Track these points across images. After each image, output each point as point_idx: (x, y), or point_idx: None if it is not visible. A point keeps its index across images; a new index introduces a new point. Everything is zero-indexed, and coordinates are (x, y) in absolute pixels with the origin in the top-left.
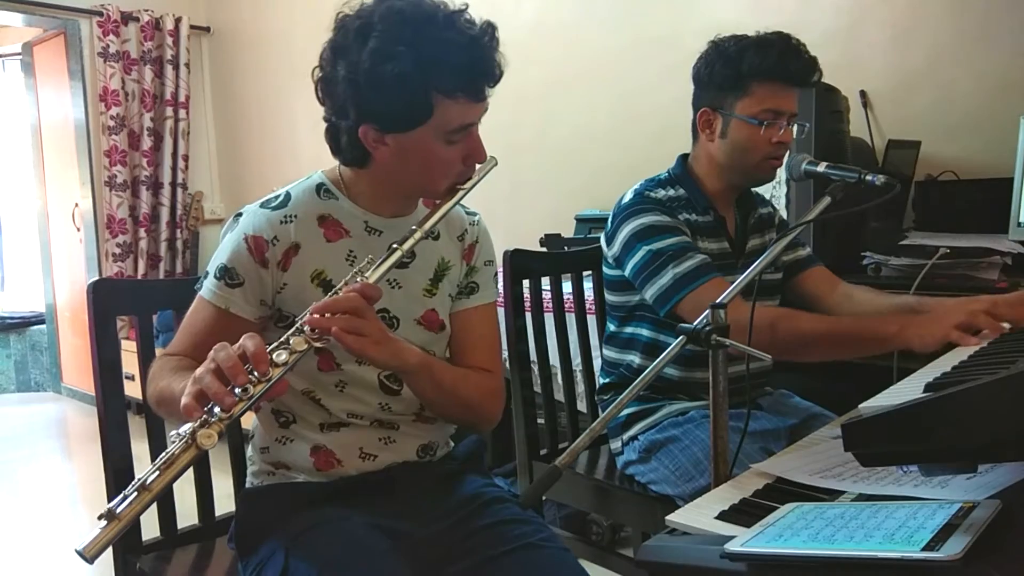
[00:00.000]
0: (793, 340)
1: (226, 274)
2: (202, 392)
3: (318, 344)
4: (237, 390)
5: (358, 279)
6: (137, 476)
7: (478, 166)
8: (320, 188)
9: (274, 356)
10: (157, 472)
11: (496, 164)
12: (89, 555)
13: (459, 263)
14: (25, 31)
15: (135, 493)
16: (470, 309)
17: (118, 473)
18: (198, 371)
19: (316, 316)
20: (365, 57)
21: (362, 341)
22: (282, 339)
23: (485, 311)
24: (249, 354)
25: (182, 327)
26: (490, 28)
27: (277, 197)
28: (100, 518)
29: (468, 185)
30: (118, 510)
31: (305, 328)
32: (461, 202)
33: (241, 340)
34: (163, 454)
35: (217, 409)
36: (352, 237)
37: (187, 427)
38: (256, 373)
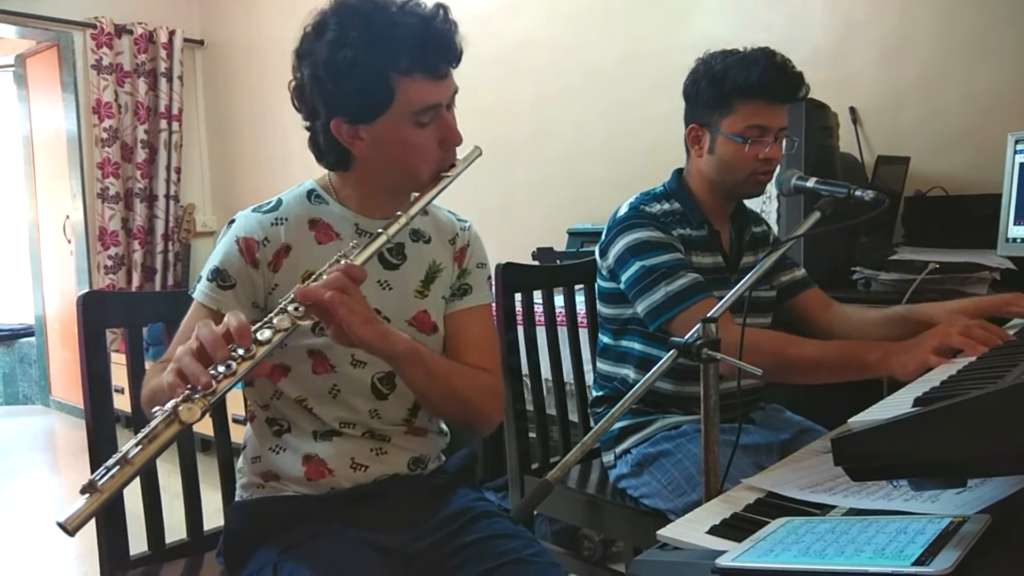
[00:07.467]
0: (794, 366)
1: (218, 276)
2: (183, 370)
3: (302, 322)
4: (220, 368)
5: (342, 262)
6: (120, 453)
7: (460, 154)
8: (311, 194)
9: (258, 335)
10: (139, 446)
11: (480, 154)
12: (71, 527)
13: (451, 266)
14: (18, 43)
15: (117, 467)
16: (464, 310)
17: None
18: (179, 350)
19: (306, 291)
20: (323, 50)
21: (351, 316)
22: (266, 319)
23: (480, 312)
24: (232, 330)
25: (178, 332)
26: (442, 9)
27: (269, 202)
28: (82, 491)
29: (453, 172)
30: (100, 483)
31: (289, 308)
32: (453, 210)
33: (226, 318)
34: (145, 428)
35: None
36: (343, 240)
37: (171, 403)
38: (240, 351)
